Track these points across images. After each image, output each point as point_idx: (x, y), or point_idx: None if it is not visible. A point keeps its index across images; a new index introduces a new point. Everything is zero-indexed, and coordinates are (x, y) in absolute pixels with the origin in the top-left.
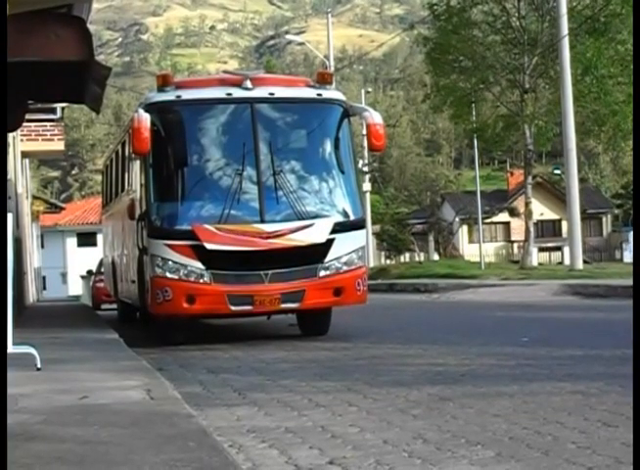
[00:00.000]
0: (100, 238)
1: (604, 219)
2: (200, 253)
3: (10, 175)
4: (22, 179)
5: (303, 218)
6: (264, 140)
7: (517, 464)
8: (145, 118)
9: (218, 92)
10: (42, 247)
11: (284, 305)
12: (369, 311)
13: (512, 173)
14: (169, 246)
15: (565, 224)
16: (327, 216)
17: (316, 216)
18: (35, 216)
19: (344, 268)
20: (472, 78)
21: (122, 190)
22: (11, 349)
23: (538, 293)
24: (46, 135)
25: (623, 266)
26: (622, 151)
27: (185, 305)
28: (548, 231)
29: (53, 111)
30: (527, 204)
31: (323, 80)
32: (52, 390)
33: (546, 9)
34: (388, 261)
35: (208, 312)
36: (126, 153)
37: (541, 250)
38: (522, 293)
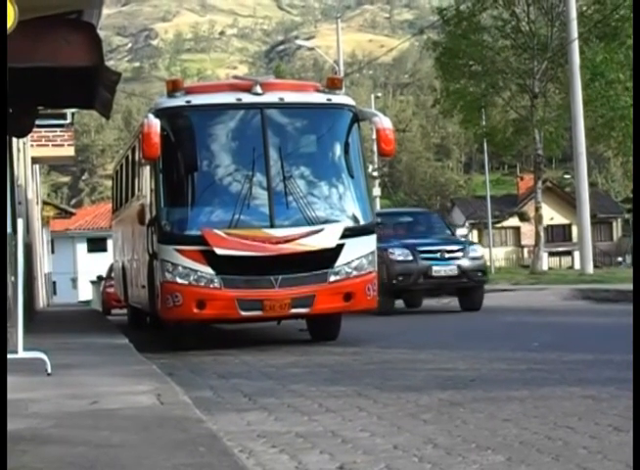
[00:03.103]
0: (110, 243)
1: (614, 224)
2: (210, 258)
3: (20, 181)
4: (32, 185)
5: (313, 223)
6: (274, 145)
7: (527, 469)
8: (155, 124)
9: (228, 97)
10: (52, 252)
11: (294, 311)
12: (379, 316)
13: (522, 178)
14: (179, 251)
15: (575, 229)
16: (337, 221)
17: (326, 221)
18: (46, 222)
19: (355, 273)
20: (481, 83)
21: (132, 195)
22: (21, 354)
23: (549, 297)
24: (56, 141)
25: None
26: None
27: (195, 310)
28: (558, 236)
29: (63, 116)
30: (537, 208)
31: (333, 85)
32: (62, 395)
33: (556, 13)
34: None
35: (218, 317)
36: (136, 158)
37: (551, 254)
38: (532, 297)
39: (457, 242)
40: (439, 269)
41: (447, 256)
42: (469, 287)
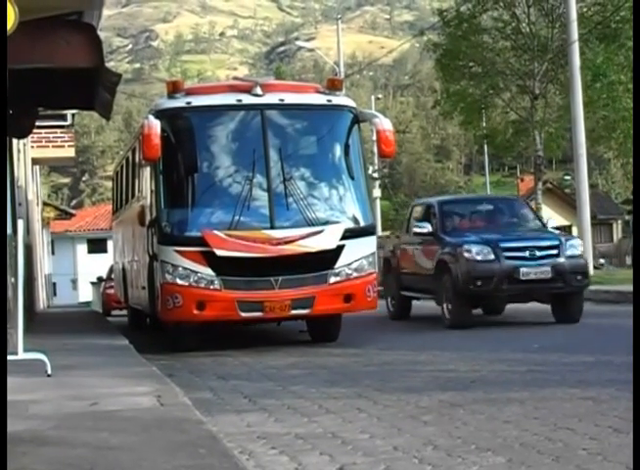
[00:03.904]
0: (110, 244)
1: (614, 225)
2: (210, 259)
3: (20, 182)
4: (32, 186)
5: (313, 225)
6: (274, 146)
7: None
8: (155, 125)
9: (228, 98)
10: (53, 253)
11: (294, 312)
12: (379, 318)
13: (522, 179)
14: (179, 252)
15: (575, 230)
16: (337, 223)
17: (326, 223)
18: (46, 223)
19: (355, 275)
20: (482, 84)
21: (133, 196)
22: (21, 355)
23: None
24: (56, 142)
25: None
26: None
27: (195, 311)
28: None
29: (63, 117)
30: (538, 209)
31: (333, 87)
32: (62, 396)
33: (556, 15)
34: None
35: (218, 319)
36: (137, 159)
37: None
38: None
39: (551, 236)
40: (529, 271)
41: (539, 254)
42: (565, 293)
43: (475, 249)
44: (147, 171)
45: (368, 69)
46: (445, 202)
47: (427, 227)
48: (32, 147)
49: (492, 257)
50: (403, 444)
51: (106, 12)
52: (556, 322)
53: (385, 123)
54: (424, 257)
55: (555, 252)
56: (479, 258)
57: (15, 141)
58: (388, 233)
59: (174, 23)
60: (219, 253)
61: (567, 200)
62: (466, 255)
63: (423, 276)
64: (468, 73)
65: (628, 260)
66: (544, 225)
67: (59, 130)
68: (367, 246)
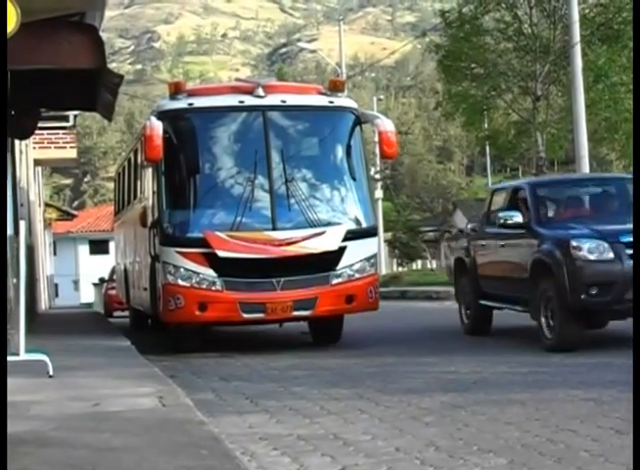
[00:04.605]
0: (112, 245)
1: None
2: (212, 260)
3: (22, 183)
4: (34, 187)
5: (315, 226)
6: (276, 148)
7: None
8: (157, 126)
9: (230, 100)
10: (54, 254)
11: (296, 313)
12: (381, 319)
13: None
14: (181, 253)
15: None
16: (339, 224)
17: (328, 224)
18: (48, 224)
19: (356, 276)
20: (484, 86)
21: (135, 197)
22: (23, 356)
23: None
24: (58, 143)
25: None
26: None
27: (197, 312)
28: None
29: (65, 118)
30: None
31: (335, 88)
32: (64, 397)
33: (558, 16)
34: (399, 269)
35: (220, 320)
36: (139, 160)
37: None
38: None
39: None
40: None
41: None
42: None
43: (587, 245)
44: (149, 172)
45: (370, 70)
46: (540, 184)
47: (516, 217)
48: (34, 148)
49: (611, 255)
50: (405, 445)
51: (108, 13)
52: None
53: (387, 125)
54: (513, 256)
55: None
56: (592, 257)
57: (17, 142)
58: (391, 234)
59: (176, 25)
60: (221, 254)
61: None
62: (575, 253)
63: (511, 281)
64: (470, 75)
65: None
66: None
67: (61, 131)
68: (369, 247)
